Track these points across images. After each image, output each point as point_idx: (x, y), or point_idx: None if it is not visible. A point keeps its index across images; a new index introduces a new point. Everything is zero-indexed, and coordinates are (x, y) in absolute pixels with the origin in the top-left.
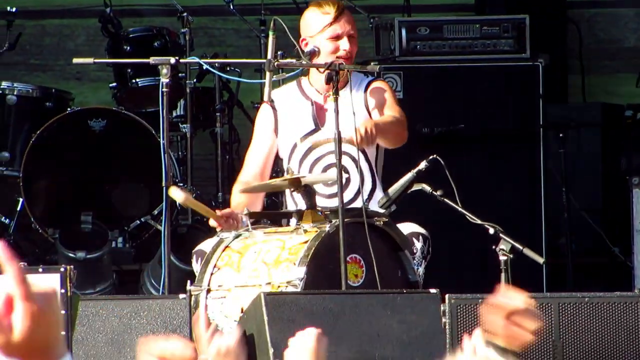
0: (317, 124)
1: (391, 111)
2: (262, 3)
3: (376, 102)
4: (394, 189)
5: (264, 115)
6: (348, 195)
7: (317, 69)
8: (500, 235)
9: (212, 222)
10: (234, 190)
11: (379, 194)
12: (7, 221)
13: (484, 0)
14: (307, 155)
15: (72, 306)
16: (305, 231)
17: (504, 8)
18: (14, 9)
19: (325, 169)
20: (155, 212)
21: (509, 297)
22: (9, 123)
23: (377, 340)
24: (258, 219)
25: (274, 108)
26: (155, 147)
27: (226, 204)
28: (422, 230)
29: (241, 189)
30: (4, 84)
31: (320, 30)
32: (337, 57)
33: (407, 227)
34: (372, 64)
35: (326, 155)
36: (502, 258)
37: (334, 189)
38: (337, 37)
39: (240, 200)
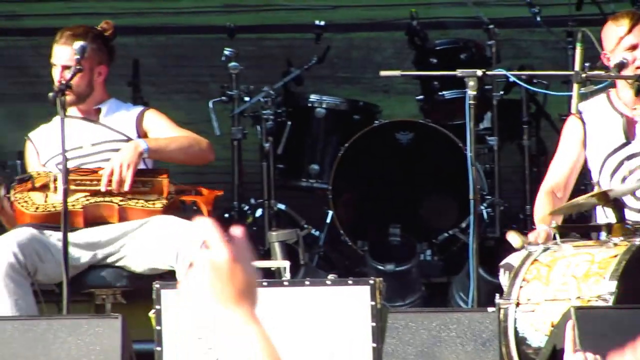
0: (627, 138)
1: None
2: (570, 14)
3: None
4: None
5: (572, 126)
6: None
7: (626, 81)
8: None
9: None
10: (538, 196)
11: None
12: (317, 233)
13: None
14: (618, 169)
15: (382, 318)
16: (615, 244)
17: None
18: (322, 23)
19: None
20: (463, 224)
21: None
22: (318, 136)
23: None
24: (567, 232)
25: (582, 120)
26: (462, 160)
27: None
28: None
29: (550, 211)
30: (313, 97)
31: (616, 43)
32: (636, 68)
33: None
34: None
35: (637, 169)
36: None
37: None
38: (634, 48)
39: (545, 208)
